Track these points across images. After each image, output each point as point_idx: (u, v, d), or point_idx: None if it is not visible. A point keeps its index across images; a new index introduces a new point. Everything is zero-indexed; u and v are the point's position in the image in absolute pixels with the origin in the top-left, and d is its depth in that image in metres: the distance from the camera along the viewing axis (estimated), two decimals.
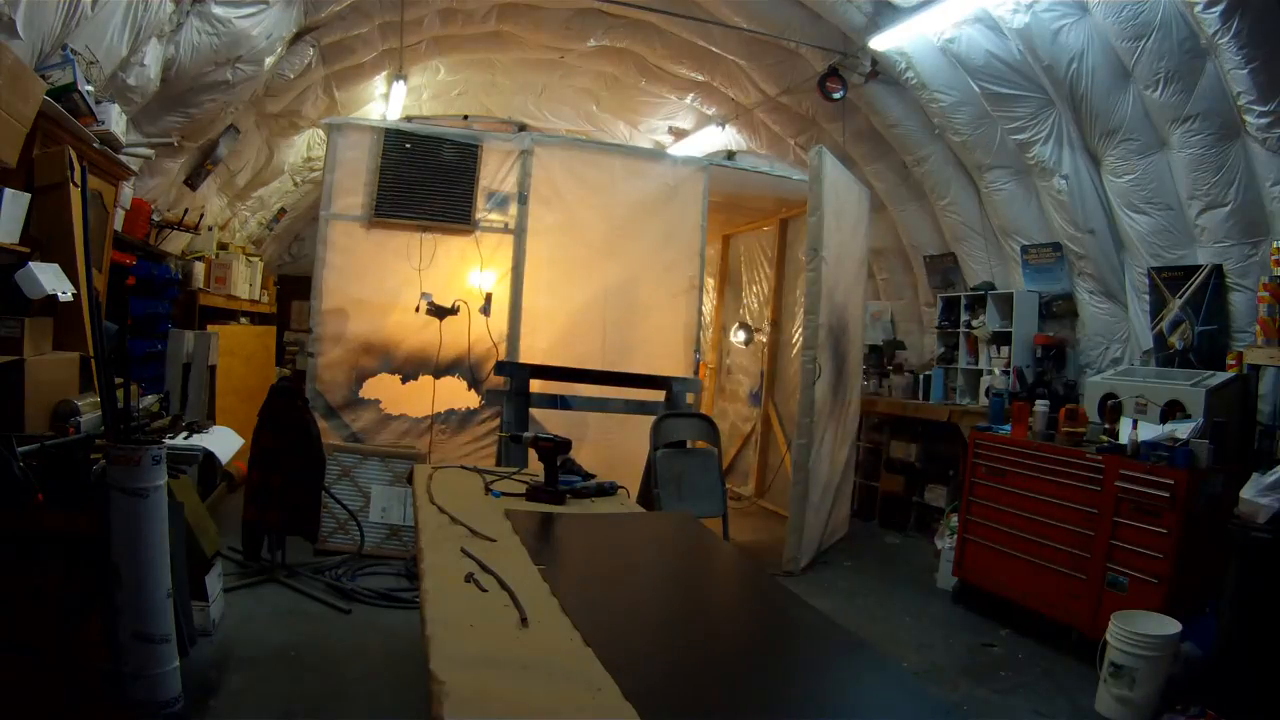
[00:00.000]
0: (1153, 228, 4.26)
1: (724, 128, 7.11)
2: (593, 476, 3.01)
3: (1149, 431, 3.61)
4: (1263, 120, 3.46)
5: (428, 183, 4.98)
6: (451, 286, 4.96)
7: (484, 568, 1.81)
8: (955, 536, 4.49)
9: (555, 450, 2.78)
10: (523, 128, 6.45)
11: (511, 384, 4.68)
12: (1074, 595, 3.65)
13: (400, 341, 4.98)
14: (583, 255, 5.22)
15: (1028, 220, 5.10)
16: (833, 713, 1.40)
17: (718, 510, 4.50)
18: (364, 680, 2.98)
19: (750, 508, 6.70)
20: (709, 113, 7.23)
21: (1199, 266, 4.05)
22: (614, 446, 4.98)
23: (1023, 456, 4.03)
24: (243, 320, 7.26)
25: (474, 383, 5.07)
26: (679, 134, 7.98)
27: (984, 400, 5.29)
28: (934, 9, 4.43)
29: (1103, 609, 3.42)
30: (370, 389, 4.99)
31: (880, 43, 4.95)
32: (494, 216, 5.07)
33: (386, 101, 6.67)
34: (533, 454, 2.92)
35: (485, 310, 4.94)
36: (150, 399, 4.37)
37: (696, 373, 5.50)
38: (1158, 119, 4.01)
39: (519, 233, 5.06)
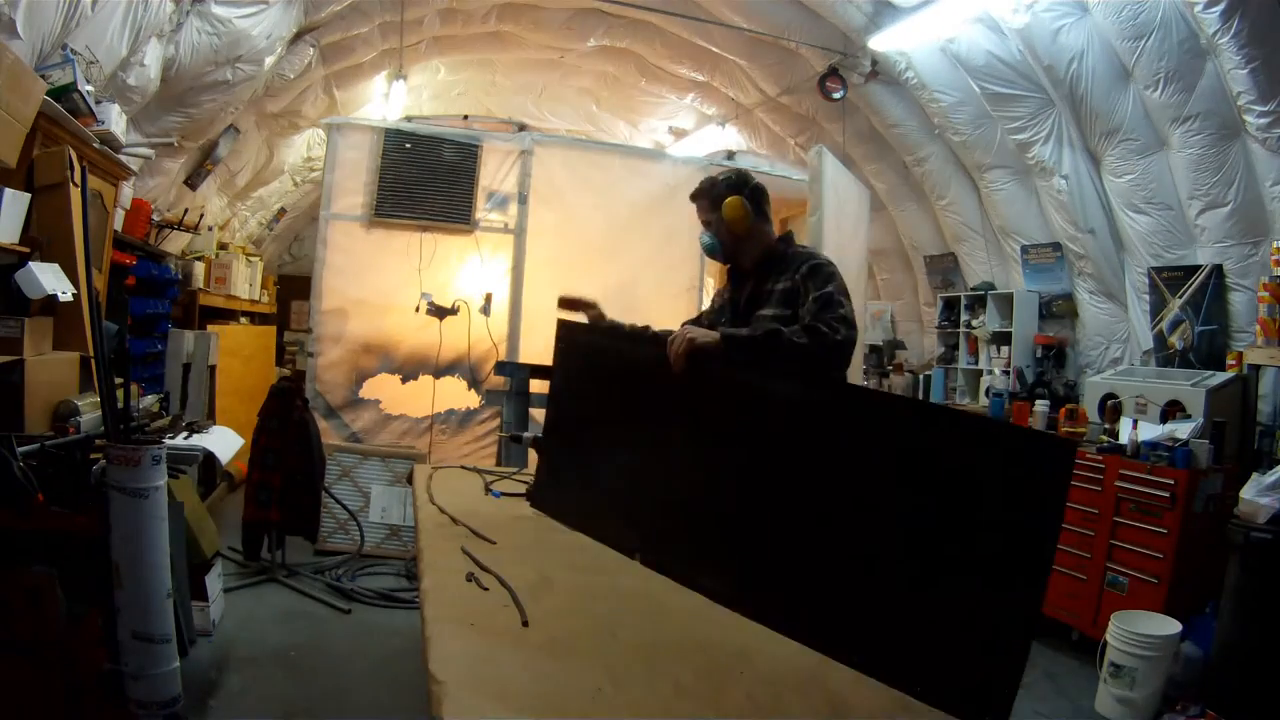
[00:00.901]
0: (1153, 228, 4.26)
1: (724, 128, 7.11)
2: None
3: (1149, 431, 3.61)
4: (1263, 120, 3.46)
5: (428, 183, 4.98)
6: (451, 286, 4.96)
7: (484, 568, 1.81)
8: None
9: None
10: (523, 128, 6.44)
11: (511, 384, 4.67)
12: (1074, 595, 3.65)
13: (400, 341, 4.98)
14: (583, 255, 5.21)
15: (1028, 220, 5.11)
16: None
17: None
18: (364, 680, 2.98)
19: None
20: (709, 113, 7.23)
21: (1199, 266, 4.05)
22: None
23: None
24: (243, 320, 7.26)
25: (474, 383, 5.06)
26: (679, 134, 7.98)
27: (984, 400, 5.29)
28: (934, 9, 4.43)
29: (1103, 609, 3.43)
30: (370, 389, 4.98)
31: (880, 43, 4.95)
32: (494, 216, 5.07)
33: (386, 101, 6.68)
34: (533, 454, 2.92)
35: (485, 310, 4.94)
36: (150, 399, 4.37)
37: None
38: (1158, 119, 4.02)
39: (519, 233, 5.06)
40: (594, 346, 2.41)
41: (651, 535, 2.02)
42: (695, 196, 2.39)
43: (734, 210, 2.30)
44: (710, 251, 2.42)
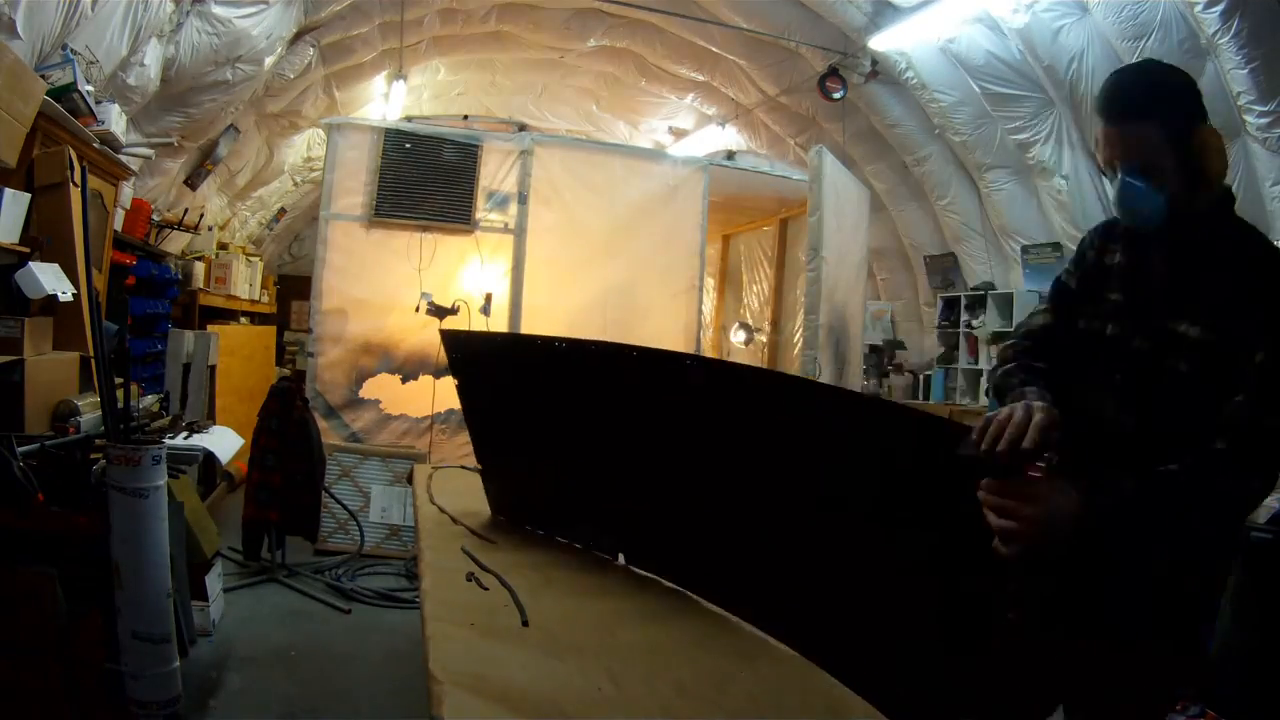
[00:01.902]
0: None
1: (724, 128, 7.12)
2: None
3: None
4: (1263, 120, 3.46)
5: (428, 183, 4.98)
6: (451, 286, 4.96)
7: (484, 567, 1.81)
8: None
9: None
10: (523, 128, 6.46)
11: None
12: None
13: (400, 341, 4.98)
14: (583, 255, 5.21)
15: (1028, 220, 5.11)
16: None
17: None
18: (364, 680, 2.98)
19: None
20: (709, 113, 7.23)
21: None
22: None
23: None
24: (243, 320, 7.26)
25: None
26: (679, 134, 7.98)
27: (984, 400, 5.29)
28: (934, 9, 4.43)
29: None
30: (370, 389, 4.98)
31: (880, 43, 4.95)
32: (494, 216, 5.07)
33: (386, 101, 6.68)
34: None
35: (485, 310, 4.94)
36: (150, 399, 4.37)
37: None
38: None
39: (519, 233, 5.06)
40: (485, 352, 2.36)
41: (618, 533, 2.00)
42: (1126, 114, 1.22)
43: (1215, 149, 1.24)
44: (1144, 216, 1.24)
